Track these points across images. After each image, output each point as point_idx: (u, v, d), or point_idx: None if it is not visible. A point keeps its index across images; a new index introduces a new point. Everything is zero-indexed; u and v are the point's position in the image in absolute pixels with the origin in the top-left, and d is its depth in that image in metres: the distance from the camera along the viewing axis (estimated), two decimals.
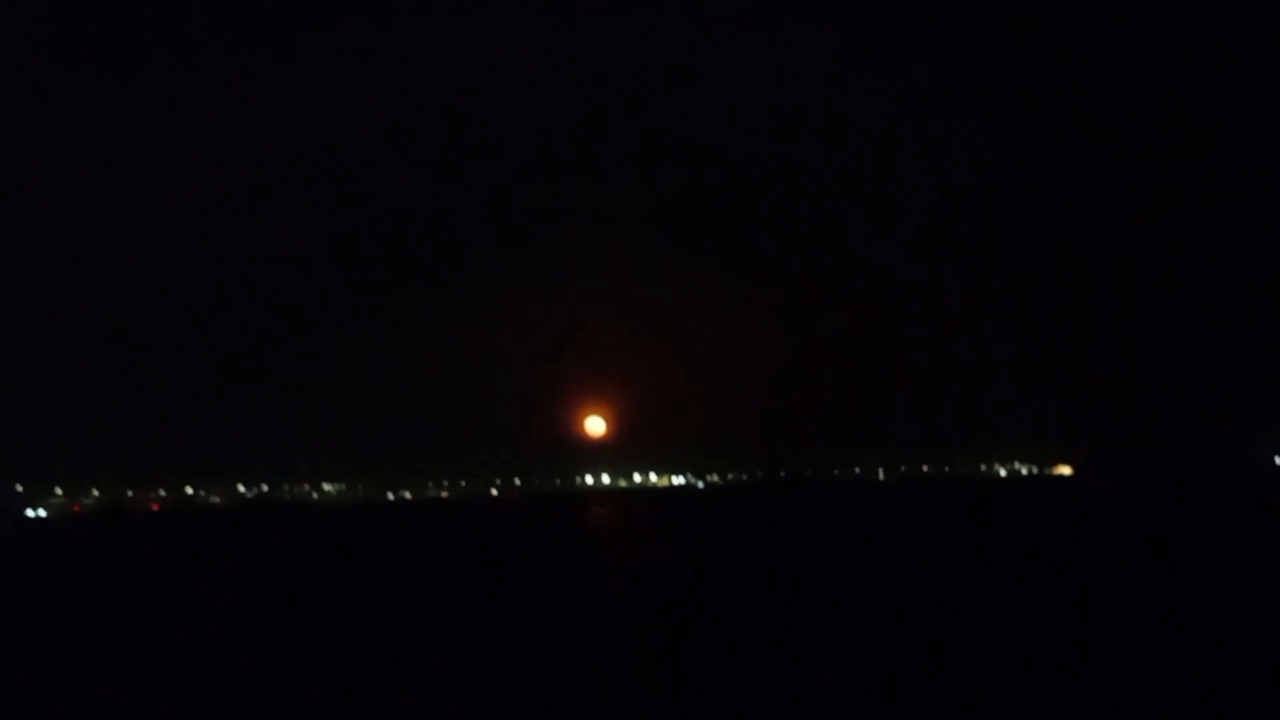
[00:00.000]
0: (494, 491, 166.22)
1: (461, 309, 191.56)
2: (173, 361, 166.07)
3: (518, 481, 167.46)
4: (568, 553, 31.42)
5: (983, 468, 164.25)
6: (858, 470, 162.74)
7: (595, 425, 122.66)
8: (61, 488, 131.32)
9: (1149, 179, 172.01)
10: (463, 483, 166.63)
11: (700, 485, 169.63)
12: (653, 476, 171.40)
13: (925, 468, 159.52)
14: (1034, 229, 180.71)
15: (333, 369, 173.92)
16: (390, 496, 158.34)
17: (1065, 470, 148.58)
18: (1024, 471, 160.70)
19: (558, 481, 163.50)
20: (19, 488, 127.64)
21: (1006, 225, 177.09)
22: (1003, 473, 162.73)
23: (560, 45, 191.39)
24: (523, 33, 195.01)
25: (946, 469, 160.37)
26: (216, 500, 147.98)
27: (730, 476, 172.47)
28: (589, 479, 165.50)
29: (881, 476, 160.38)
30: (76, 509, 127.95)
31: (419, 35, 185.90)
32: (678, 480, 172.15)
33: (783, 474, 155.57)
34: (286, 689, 12.32)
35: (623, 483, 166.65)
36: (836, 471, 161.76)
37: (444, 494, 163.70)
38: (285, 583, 25.17)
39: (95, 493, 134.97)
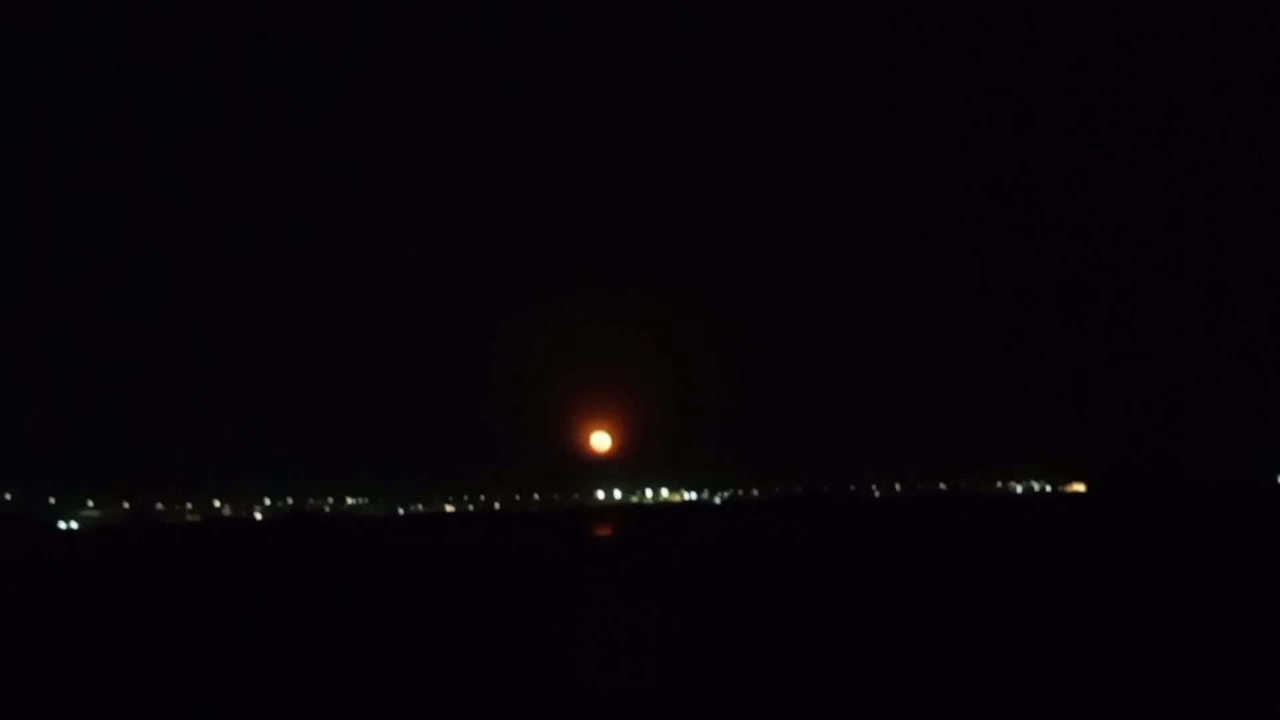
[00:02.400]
0: (496, 505, 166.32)
1: (471, 321, 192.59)
2: (195, 374, 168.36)
3: (518, 497, 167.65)
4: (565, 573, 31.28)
5: (998, 484, 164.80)
6: (874, 488, 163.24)
7: (600, 440, 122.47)
8: (93, 500, 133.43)
9: (1166, 190, 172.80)
10: (465, 498, 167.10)
11: (717, 501, 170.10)
12: (664, 492, 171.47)
13: (941, 485, 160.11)
14: (1052, 243, 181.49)
15: (344, 381, 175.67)
16: (401, 511, 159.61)
17: (1080, 488, 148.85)
18: (1037, 489, 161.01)
19: (555, 497, 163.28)
20: (51, 500, 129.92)
21: (1024, 239, 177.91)
22: (1018, 490, 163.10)
23: (559, 45, 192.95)
24: (523, 33, 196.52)
25: (961, 485, 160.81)
26: (255, 514, 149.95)
27: (740, 493, 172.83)
28: (599, 494, 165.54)
29: (898, 489, 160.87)
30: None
31: (416, 33, 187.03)
32: (689, 495, 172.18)
33: (825, 489, 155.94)
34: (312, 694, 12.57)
35: (634, 498, 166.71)
36: (853, 487, 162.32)
37: (449, 508, 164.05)
38: (315, 596, 26.29)
39: (125, 505, 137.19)
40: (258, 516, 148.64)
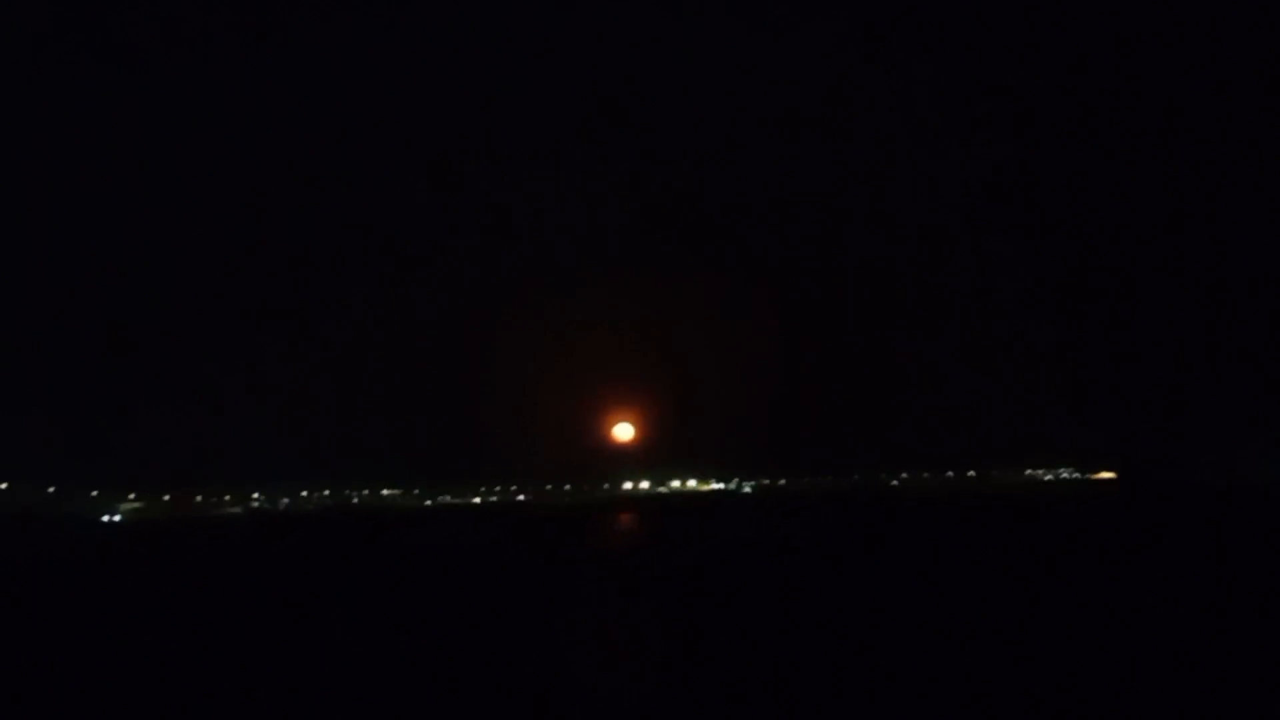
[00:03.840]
0: (521, 496, 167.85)
1: (498, 319, 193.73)
2: (232, 372, 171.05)
3: (549, 487, 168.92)
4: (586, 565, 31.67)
5: (1028, 473, 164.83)
6: (905, 476, 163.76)
7: (624, 431, 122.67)
8: (135, 493, 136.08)
9: (1168, 189, 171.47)
10: (497, 489, 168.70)
11: (748, 490, 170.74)
12: (692, 482, 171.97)
13: (971, 473, 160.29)
14: (1052, 242, 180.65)
15: (378, 379, 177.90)
16: (429, 503, 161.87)
17: (1109, 475, 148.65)
18: (1066, 476, 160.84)
19: (584, 488, 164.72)
20: (94, 494, 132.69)
21: (1023, 239, 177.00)
22: (1047, 478, 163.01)
23: (560, 46, 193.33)
24: (523, 34, 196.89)
25: (993, 473, 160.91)
26: (287, 503, 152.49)
27: (767, 482, 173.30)
28: (627, 484, 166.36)
29: (926, 478, 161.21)
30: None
31: (417, 33, 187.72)
32: (717, 485, 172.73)
33: (856, 478, 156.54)
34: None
35: (661, 489, 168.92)
36: (889, 479, 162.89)
37: (476, 500, 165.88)
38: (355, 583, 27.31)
39: (166, 498, 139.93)
40: (284, 506, 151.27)
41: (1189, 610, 15.78)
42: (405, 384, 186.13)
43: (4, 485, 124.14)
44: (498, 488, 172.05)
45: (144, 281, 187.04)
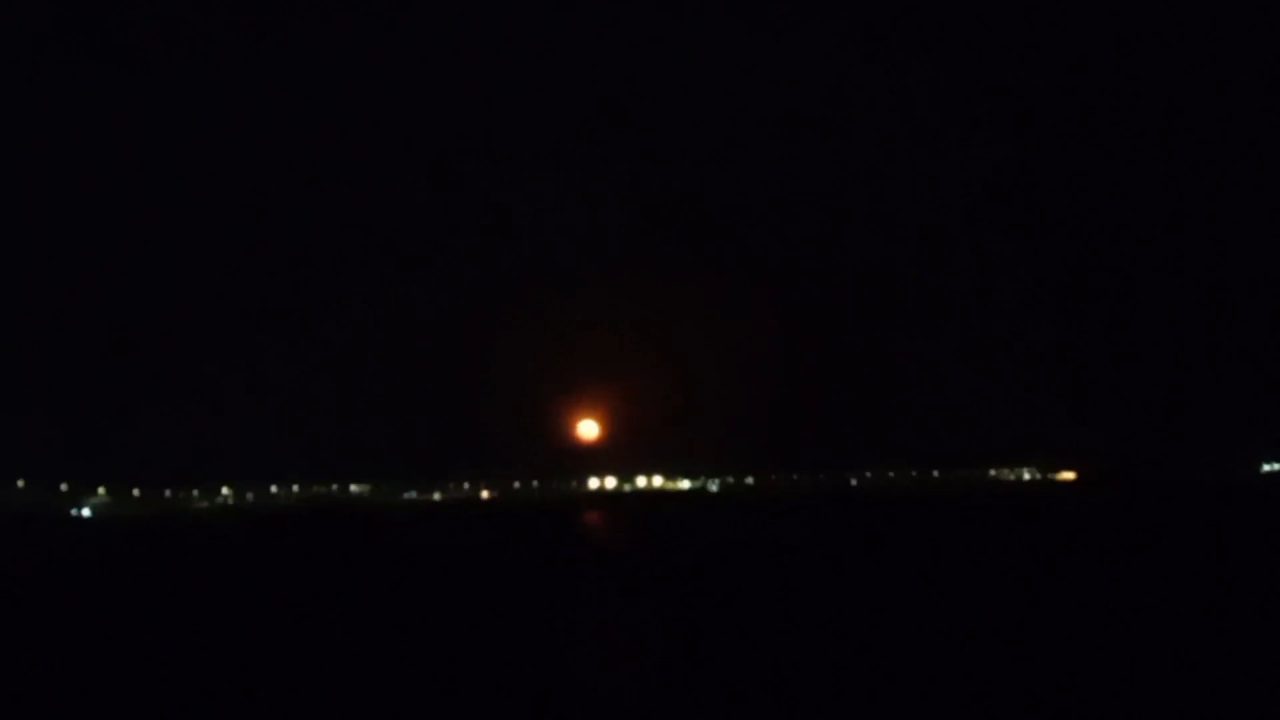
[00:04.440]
0: (484, 494, 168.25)
1: (469, 320, 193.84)
2: (203, 370, 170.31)
3: (517, 485, 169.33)
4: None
5: (991, 473, 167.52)
6: (868, 475, 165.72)
7: (588, 429, 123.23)
8: (104, 488, 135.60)
9: (1165, 190, 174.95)
10: (467, 485, 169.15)
11: (714, 489, 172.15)
12: (658, 480, 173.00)
13: (935, 473, 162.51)
14: (1049, 242, 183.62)
15: (348, 378, 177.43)
16: (407, 497, 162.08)
17: (1069, 476, 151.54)
18: (1027, 477, 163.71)
19: (533, 484, 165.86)
20: (63, 487, 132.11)
21: (1023, 239, 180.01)
22: (1011, 478, 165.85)
23: (560, 46, 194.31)
24: (524, 34, 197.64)
25: (956, 474, 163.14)
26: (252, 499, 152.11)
27: (732, 480, 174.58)
28: (593, 483, 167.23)
29: (892, 477, 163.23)
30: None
31: (417, 33, 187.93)
32: (684, 484, 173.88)
33: (822, 478, 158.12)
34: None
35: (627, 487, 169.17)
36: (853, 481, 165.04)
37: (437, 496, 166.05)
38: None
39: (135, 493, 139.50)
40: (249, 500, 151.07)
41: (1168, 610, 16.04)
42: (401, 383, 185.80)
43: None
44: (466, 485, 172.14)
45: (139, 280, 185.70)
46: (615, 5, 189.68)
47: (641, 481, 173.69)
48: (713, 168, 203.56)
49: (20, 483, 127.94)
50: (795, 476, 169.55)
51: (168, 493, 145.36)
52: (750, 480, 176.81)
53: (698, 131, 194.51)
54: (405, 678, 12.89)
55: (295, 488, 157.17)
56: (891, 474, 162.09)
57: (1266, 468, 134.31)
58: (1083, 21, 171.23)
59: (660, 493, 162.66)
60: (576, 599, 21.10)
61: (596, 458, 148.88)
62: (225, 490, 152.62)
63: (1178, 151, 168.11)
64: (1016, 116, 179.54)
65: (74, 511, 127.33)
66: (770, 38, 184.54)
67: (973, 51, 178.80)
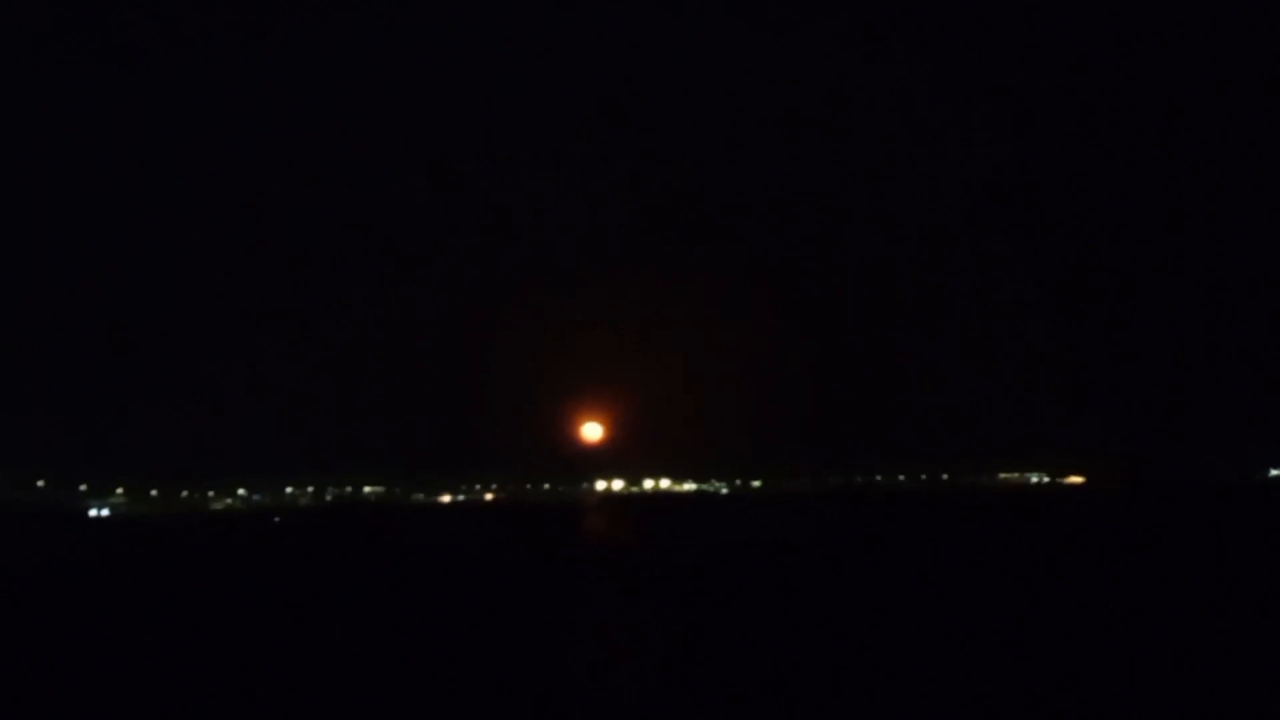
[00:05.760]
0: (488, 496, 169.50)
1: (471, 320, 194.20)
2: (218, 370, 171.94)
3: (529, 486, 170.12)
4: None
5: (1001, 476, 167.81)
6: (878, 478, 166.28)
7: (592, 430, 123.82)
8: (122, 488, 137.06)
9: (1166, 190, 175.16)
10: (477, 486, 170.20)
11: (724, 491, 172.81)
12: (665, 482, 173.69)
13: (945, 476, 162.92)
14: (1049, 242, 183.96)
15: (358, 380, 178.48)
16: (416, 498, 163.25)
17: (1077, 480, 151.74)
18: (1035, 480, 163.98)
19: (561, 488, 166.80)
20: (82, 487, 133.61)
21: (1023, 239, 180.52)
22: (1020, 482, 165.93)
23: (560, 46, 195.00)
24: (523, 34, 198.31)
25: (965, 477, 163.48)
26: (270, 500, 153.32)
27: (737, 483, 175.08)
28: (600, 484, 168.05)
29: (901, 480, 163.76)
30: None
31: (417, 33, 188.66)
32: (689, 486, 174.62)
33: (830, 481, 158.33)
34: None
35: (634, 489, 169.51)
36: (859, 479, 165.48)
37: (445, 499, 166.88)
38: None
39: (153, 493, 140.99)
40: (261, 502, 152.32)
41: (1176, 614, 15.93)
42: (402, 383, 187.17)
43: None
44: (477, 487, 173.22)
45: (148, 281, 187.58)
46: (615, 5, 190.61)
47: (649, 484, 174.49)
48: (713, 168, 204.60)
49: (40, 482, 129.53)
50: (804, 479, 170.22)
51: (184, 493, 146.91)
52: (758, 483, 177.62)
53: (698, 131, 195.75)
54: (405, 678, 13.00)
55: (310, 488, 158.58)
56: (901, 477, 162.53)
57: (1275, 472, 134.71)
58: (1083, 21, 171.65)
59: (667, 495, 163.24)
60: (576, 599, 21.17)
61: (602, 460, 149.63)
62: (241, 491, 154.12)
63: (1180, 152, 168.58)
64: (1016, 116, 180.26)
65: (92, 511, 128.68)
66: (770, 38, 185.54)
67: (973, 51, 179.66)
